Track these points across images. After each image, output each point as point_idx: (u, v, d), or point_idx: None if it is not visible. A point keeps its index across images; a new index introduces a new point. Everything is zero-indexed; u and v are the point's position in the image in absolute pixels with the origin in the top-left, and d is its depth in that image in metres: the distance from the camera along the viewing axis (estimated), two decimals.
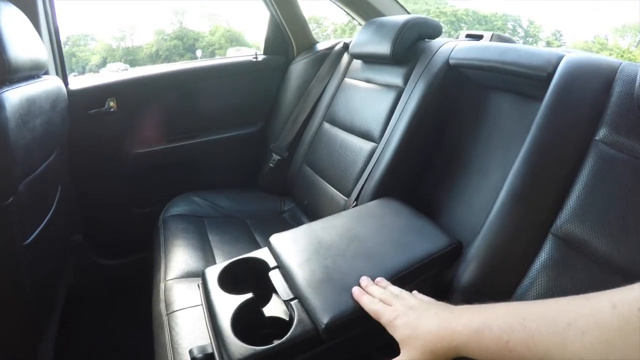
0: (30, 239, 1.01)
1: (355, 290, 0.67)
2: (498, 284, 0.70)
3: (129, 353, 1.22)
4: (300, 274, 0.73)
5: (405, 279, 0.72)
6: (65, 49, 1.53)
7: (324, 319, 0.64)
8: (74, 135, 1.40)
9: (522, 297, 0.66)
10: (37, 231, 1.05)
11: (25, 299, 1.03)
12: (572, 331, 0.40)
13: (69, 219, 1.44)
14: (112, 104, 1.50)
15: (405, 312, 0.58)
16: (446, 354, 0.51)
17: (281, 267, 0.78)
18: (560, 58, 0.81)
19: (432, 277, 0.79)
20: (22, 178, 0.97)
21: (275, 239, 0.84)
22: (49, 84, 1.14)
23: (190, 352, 0.75)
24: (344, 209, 1.16)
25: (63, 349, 1.26)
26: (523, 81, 0.91)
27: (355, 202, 1.15)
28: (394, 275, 0.71)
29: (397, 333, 0.57)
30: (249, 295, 0.72)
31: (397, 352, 0.56)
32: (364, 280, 0.69)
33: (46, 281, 1.20)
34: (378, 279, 0.70)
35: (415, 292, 0.65)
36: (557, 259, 0.65)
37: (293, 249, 0.79)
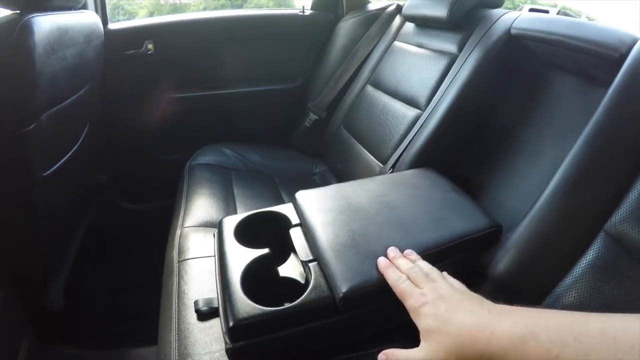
0: (50, 170, 1.01)
1: (382, 260, 0.61)
2: (536, 278, 0.63)
3: (138, 297, 1.20)
4: (323, 235, 0.67)
5: (436, 256, 0.65)
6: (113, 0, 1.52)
7: (343, 287, 0.58)
8: (108, 75, 1.40)
9: (560, 297, 0.58)
10: (58, 164, 1.05)
11: (39, 229, 1.03)
12: (638, 355, 0.33)
13: (95, 158, 1.44)
14: (149, 46, 1.48)
15: (434, 301, 0.50)
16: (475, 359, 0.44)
17: (304, 225, 0.73)
18: (635, 40, 0.71)
19: (463, 260, 0.71)
20: (47, 108, 0.95)
21: (302, 195, 0.79)
22: (84, 18, 1.13)
23: (196, 303, 0.72)
24: None
25: (74, 285, 1.27)
26: (591, 60, 0.82)
27: (391, 170, 1.08)
28: (424, 250, 0.64)
29: (422, 322, 0.49)
30: (265, 250, 0.67)
31: (412, 339, 0.49)
32: (392, 251, 0.63)
33: (63, 215, 1.19)
34: (407, 251, 0.63)
35: (445, 273, 0.58)
36: (607, 260, 0.56)
37: (319, 208, 0.74)
